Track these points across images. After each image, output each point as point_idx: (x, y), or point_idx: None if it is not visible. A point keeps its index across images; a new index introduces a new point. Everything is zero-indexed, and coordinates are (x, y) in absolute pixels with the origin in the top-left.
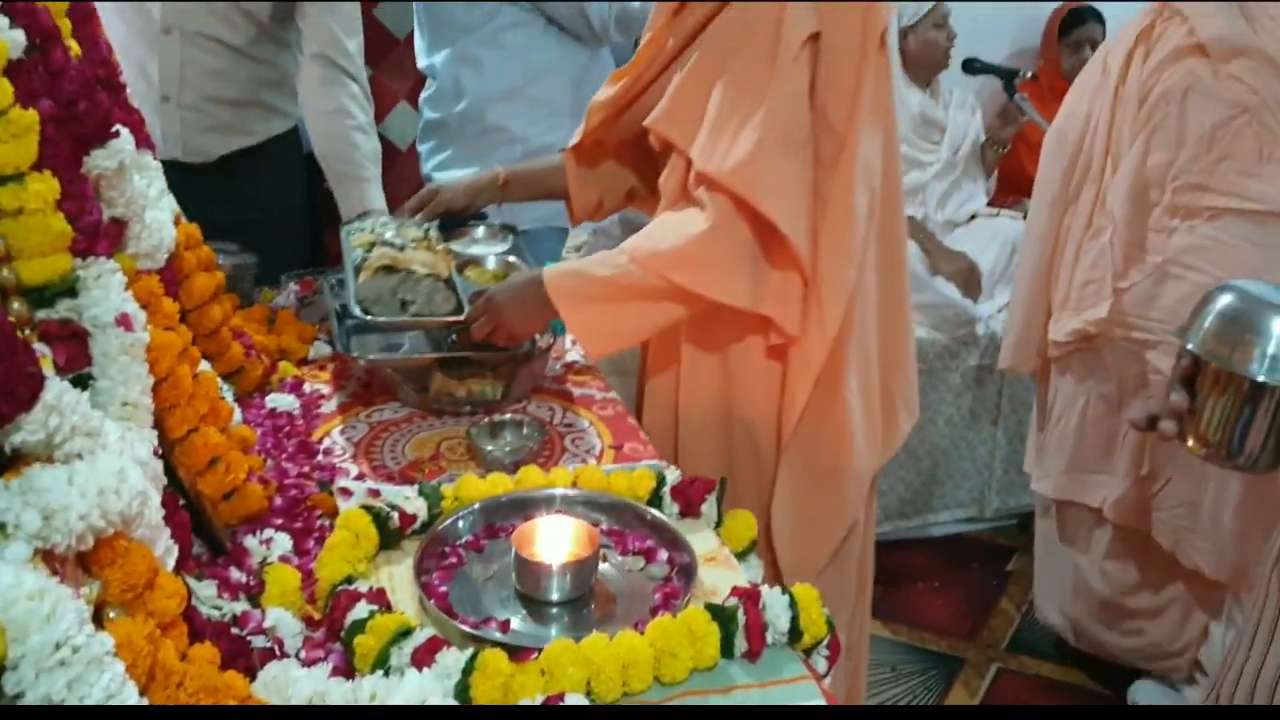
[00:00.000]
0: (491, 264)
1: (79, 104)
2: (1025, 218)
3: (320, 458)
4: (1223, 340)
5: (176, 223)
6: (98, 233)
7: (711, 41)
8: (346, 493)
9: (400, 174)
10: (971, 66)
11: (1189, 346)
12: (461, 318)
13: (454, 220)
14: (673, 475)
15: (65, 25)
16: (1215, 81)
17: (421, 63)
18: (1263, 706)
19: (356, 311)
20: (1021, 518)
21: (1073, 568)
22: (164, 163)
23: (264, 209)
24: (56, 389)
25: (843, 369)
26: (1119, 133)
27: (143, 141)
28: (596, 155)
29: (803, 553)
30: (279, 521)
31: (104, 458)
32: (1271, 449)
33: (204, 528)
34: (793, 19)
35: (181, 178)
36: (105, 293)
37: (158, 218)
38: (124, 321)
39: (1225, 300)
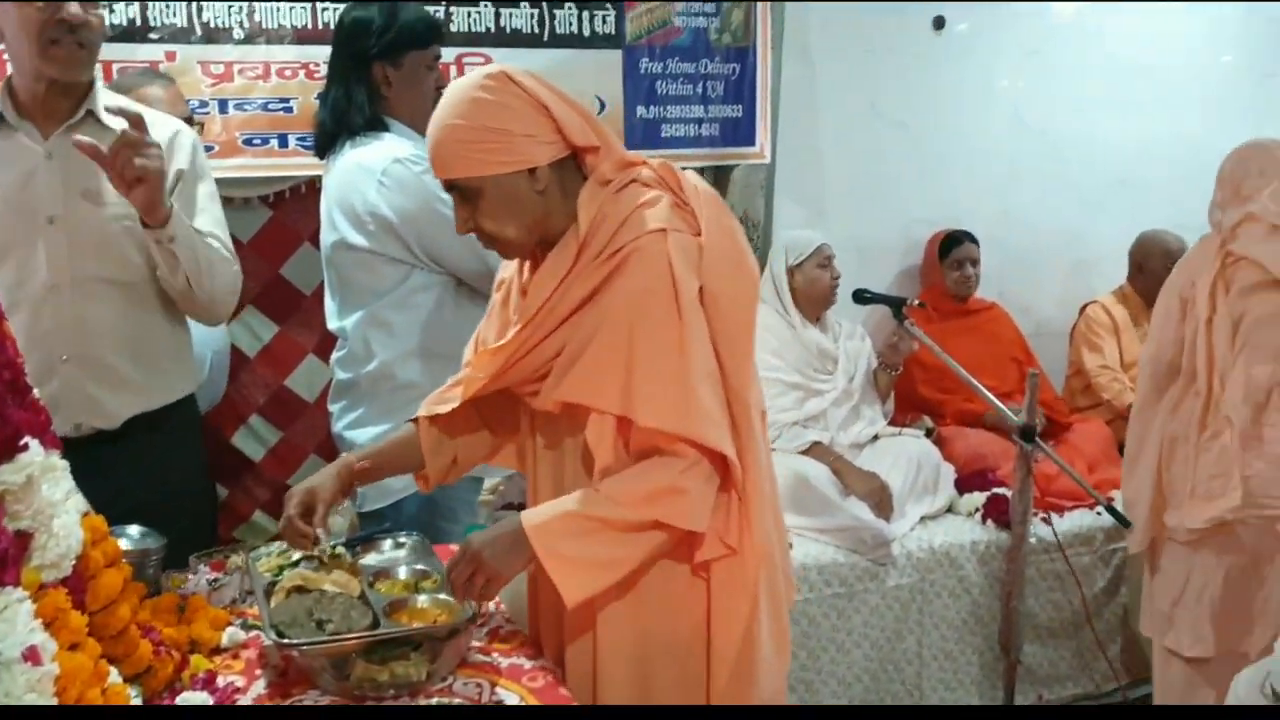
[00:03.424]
0: (403, 574)
1: None
2: (927, 434)
3: None
4: None
5: (83, 517)
6: (5, 561)
7: (609, 315)
8: None
9: (308, 427)
10: (861, 297)
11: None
12: (379, 631)
13: (359, 536)
14: None
15: None
16: None
17: (332, 325)
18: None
19: (272, 636)
20: None
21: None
22: (63, 440)
23: (166, 486)
24: None
25: (760, 582)
26: (1220, 352)
27: (49, 442)
28: (459, 419)
29: None
30: None
31: None
32: None
33: None
34: (682, 278)
35: (81, 454)
36: (11, 626)
37: (65, 523)
38: (31, 656)
39: None
